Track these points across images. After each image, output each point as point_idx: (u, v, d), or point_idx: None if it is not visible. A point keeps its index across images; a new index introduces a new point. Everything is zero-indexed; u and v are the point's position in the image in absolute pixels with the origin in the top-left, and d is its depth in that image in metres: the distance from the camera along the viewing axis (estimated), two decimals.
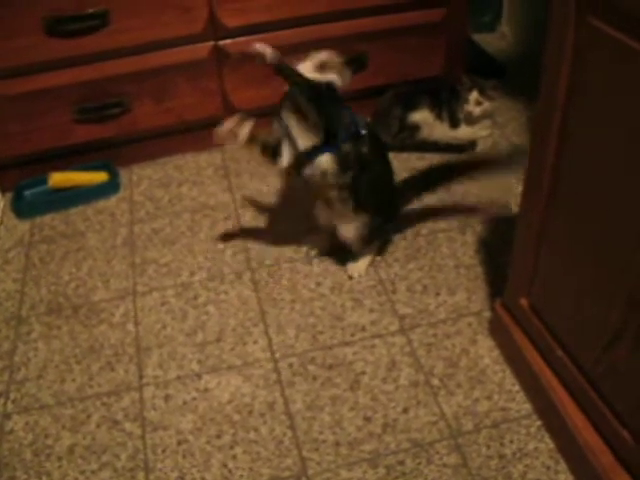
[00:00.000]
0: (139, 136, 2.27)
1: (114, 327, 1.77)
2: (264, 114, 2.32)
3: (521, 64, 2.74)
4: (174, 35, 2.09)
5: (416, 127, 2.31)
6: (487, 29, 3.00)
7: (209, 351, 1.70)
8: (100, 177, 2.21)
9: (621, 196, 1.14)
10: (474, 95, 2.27)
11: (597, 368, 1.30)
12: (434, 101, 2.34)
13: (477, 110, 2.29)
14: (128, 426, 1.55)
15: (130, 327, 1.77)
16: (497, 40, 2.96)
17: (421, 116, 2.31)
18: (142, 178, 2.26)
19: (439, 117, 2.33)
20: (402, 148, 2.29)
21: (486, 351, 1.67)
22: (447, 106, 2.34)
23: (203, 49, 2.14)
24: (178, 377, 1.64)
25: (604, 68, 1.11)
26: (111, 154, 2.28)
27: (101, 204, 2.17)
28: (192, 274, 1.90)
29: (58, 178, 2.16)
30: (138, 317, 1.79)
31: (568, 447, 1.42)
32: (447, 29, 2.37)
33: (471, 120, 2.32)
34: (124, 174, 2.27)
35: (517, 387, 1.59)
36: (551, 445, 1.47)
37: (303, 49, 2.20)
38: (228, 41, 2.16)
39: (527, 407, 1.55)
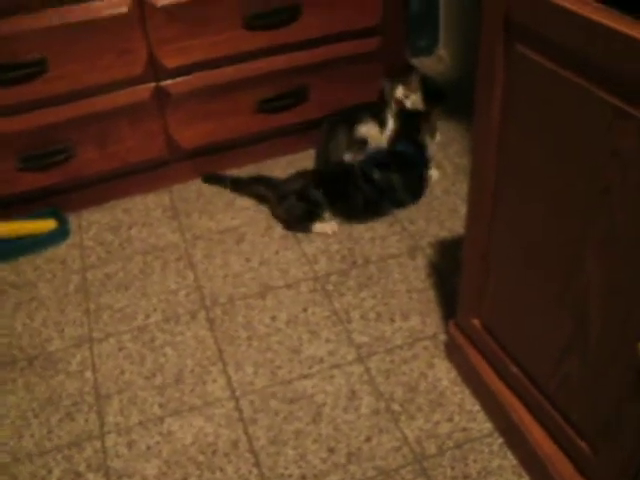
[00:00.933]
0: (85, 181, 2.26)
1: (71, 376, 1.75)
2: (211, 150, 2.35)
3: (460, 86, 2.79)
4: (114, 79, 2.09)
5: (364, 141, 2.33)
6: (425, 53, 3.05)
7: (169, 393, 1.69)
8: (48, 225, 2.19)
9: (559, 213, 1.17)
10: (400, 90, 2.31)
11: (551, 381, 1.33)
12: (376, 113, 2.37)
13: (408, 103, 2.32)
14: (91, 477, 1.53)
15: (88, 375, 1.75)
16: (435, 63, 3.01)
17: (367, 129, 2.34)
18: (91, 223, 2.24)
19: (383, 127, 2.37)
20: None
21: (444, 373, 1.69)
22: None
23: (144, 91, 2.15)
24: (140, 422, 1.63)
25: (533, 91, 1.15)
26: (58, 201, 2.26)
27: (51, 252, 2.14)
28: (147, 317, 1.90)
29: (3, 228, 2.14)
30: (96, 364, 1.78)
31: (530, 461, 1.45)
32: (385, 56, 2.41)
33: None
34: (73, 220, 2.25)
35: (477, 407, 1.61)
36: (514, 461, 1.49)
37: (243, 85, 2.24)
38: (169, 81, 2.16)
39: (488, 426, 1.57)
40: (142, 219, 2.24)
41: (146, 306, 1.93)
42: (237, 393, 1.68)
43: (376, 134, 2.36)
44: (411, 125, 2.21)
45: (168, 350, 1.80)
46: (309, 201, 2.11)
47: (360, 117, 2.36)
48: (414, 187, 2.18)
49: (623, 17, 0.93)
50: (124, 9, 1.99)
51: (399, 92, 2.32)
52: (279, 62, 2.25)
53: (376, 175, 2.13)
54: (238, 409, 1.64)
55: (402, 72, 2.44)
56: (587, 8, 0.97)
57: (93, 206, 2.31)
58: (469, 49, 2.80)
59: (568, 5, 1.00)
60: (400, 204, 2.17)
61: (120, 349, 1.81)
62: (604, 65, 0.97)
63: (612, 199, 1.03)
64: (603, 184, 1.04)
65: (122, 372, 1.75)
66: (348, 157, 2.31)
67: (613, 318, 1.11)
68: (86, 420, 1.65)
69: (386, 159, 2.19)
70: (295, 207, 2.12)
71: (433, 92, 2.74)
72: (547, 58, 1.09)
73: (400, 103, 2.33)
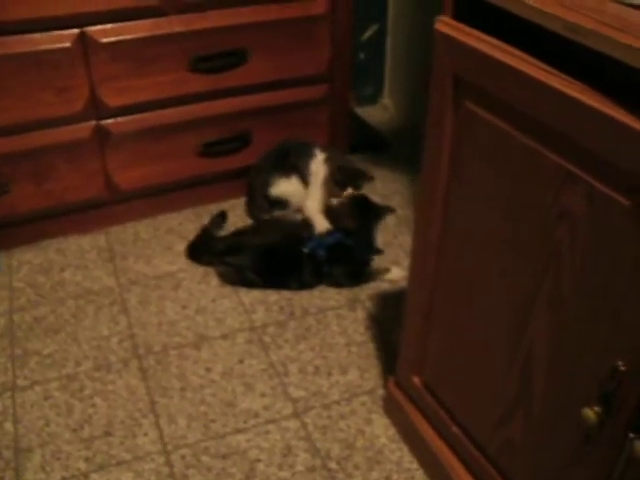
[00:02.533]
0: (19, 219, 2.18)
1: None
2: (151, 192, 2.30)
3: (404, 135, 2.80)
4: (53, 115, 2.03)
5: (283, 202, 2.28)
6: (369, 102, 3.07)
7: (97, 447, 1.61)
8: None
9: (505, 273, 1.16)
10: (349, 192, 2.19)
11: (493, 443, 1.31)
12: (286, 169, 2.28)
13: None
14: None
15: (8, 426, 1.65)
16: (379, 112, 3.03)
17: (284, 188, 2.27)
18: (22, 263, 2.16)
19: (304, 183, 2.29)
20: None
21: (382, 430, 1.65)
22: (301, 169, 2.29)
23: (84, 129, 2.09)
24: (62, 479, 1.54)
25: (482, 149, 1.14)
26: None
27: None
28: (77, 364, 1.82)
29: None
30: (17, 414, 1.68)
31: None
32: (330, 104, 2.41)
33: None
34: (2, 259, 2.17)
35: (415, 465, 1.57)
36: None
37: (186, 128, 2.20)
38: (110, 121, 2.11)
39: None
40: (76, 261, 2.17)
41: (76, 353, 1.85)
42: (168, 447, 1.61)
43: (298, 191, 2.29)
44: (367, 220, 2.11)
45: (98, 400, 1.72)
46: (244, 278, 2.06)
47: (270, 179, 2.28)
48: (358, 276, 2.09)
49: (574, 81, 0.92)
50: (67, 44, 1.95)
51: (347, 193, 2.18)
52: (224, 106, 2.23)
53: (326, 269, 2.05)
54: (169, 464, 1.57)
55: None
56: (538, 70, 0.97)
57: (25, 245, 2.22)
58: (414, 99, 2.83)
59: (518, 66, 1.00)
60: (339, 287, 2.09)
61: (46, 398, 1.73)
62: (554, 127, 0.97)
63: (560, 261, 1.02)
64: (552, 246, 1.03)
65: (47, 423, 1.66)
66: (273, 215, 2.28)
67: (558, 381, 1.10)
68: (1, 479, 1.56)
69: (336, 251, 2.06)
70: (230, 275, 2.08)
71: (376, 142, 2.75)
72: (497, 117, 1.08)
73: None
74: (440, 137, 1.23)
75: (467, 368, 1.34)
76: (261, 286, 2.06)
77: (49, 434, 1.64)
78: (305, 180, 2.30)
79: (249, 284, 2.06)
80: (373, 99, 3.09)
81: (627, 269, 0.91)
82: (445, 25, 1.14)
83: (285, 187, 2.28)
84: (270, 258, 2.06)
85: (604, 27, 0.86)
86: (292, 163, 2.29)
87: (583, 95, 0.90)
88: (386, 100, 3.08)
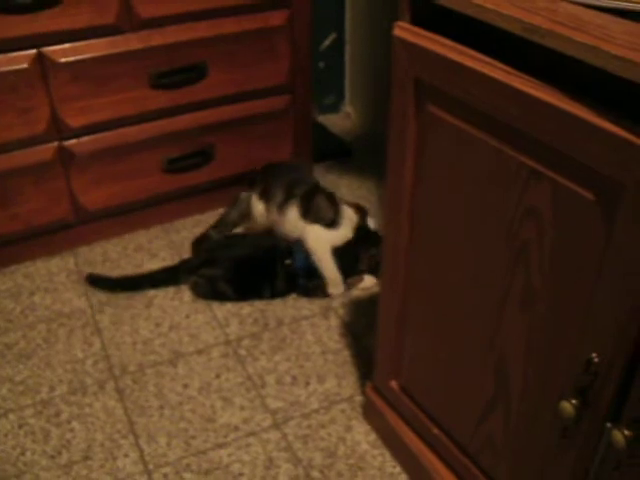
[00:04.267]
0: None
1: None
2: (117, 211, 2.29)
3: (367, 142, 2.82)
4: (14, 137, 2.01)
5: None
6: (331, 110, 3.08)
7: (76, 472, 1.59)
8: None
9: (476, 274, 1.17)
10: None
11: (474, 442, 1.32)
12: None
13: None
14: None
15: None
16: (342, 120, 3.04)
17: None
18: None
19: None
20: None
21: (363, 436, 1.65)
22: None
23: (47, 150, 2.07)
24: None
25: (446, 151, 1.15)
26: None
27: None
28: (52, 389, 1.80)
29: None
30: None
31: None
32: (293, 115, 2.41)
33: None
34: None
35: (398, 469, 1.58)
36: None
37: (149, 145, 2.19)
38: (73, 141, 2.10)
39: None
40: (45, 284, 2.15)
41: (50, 377, 1.83)
42: (150, 466, 1.60)
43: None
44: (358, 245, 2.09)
45: (75, 424, 1.70)
46: (215, 289, 2.06)
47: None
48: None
49: (533, 80, 0.94)
50: (24, 65, 1.92)
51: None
52: (185, 121, 2.22)
53: (301, 282, 2.06)
54: None
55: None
56: (497, 71, 0.98)
57: None
58: (375, 106, 2.84)
59: (478, 67, 1.01)
60: (311, 297, 2.09)
61: (21, 426, 1.70)
62: (516, 126, 0.98)
63: (529, 258, 1.03)
64: (520, 244, 1.04)
65: (22, 452, 1.64)
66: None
67: (534, 377, 1.11)
68: None
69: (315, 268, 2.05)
70: (201, 287, 2.08)
71: (340, 150, 2.76)
72: (460, 119, 1.09)
73: None
74: (403, 141, 1.24)
75: (443, 369, 1.35)
76: (232, 297, 2.05)
77: (25, 463, 1.61)
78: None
79: (220, 295, 2.06)
80: (335, 107, 3.10)
81: (595, 262, 0.92)
82: (403, 30, 1.15)
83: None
84: (243, 267, 2.06)
85: (560, 27, 0.88)
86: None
87: (543, 93, 0.92)
88: (348, 108, 3.09)
